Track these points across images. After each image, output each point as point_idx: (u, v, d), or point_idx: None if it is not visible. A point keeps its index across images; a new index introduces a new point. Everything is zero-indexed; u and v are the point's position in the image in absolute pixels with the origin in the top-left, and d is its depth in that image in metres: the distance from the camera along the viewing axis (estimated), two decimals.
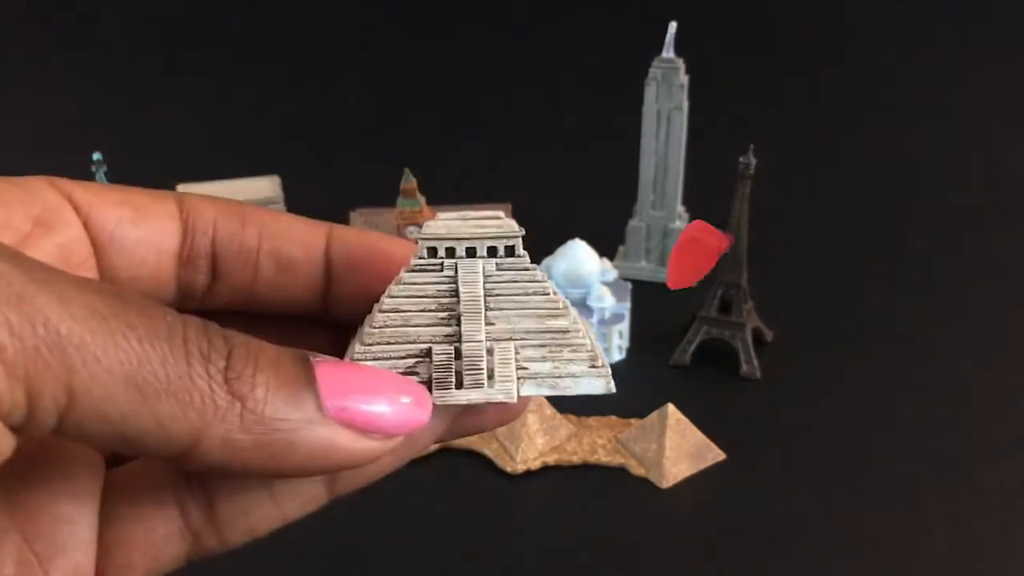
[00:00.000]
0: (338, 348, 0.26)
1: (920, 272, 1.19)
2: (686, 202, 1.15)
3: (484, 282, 0.23)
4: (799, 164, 1.49)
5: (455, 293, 0.23)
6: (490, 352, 0.23)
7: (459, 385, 0.22)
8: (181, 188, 1.01)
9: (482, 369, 0.22)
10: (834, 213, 1.36)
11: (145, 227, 0.24)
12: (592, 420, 0.89)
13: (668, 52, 1.07)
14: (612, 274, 1.03)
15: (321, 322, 0.27)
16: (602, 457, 0.84)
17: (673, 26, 1.07)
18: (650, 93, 1.07)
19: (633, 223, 1.15)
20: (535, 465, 0.83)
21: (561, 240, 1.00)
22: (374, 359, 0.22)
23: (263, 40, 1.96)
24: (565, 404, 0.88)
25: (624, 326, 1.00)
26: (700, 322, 0.97)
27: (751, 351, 0.95)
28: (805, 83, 1.83)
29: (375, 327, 0.22)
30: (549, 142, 1.55)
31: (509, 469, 0.82)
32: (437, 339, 0.23)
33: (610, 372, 0.23)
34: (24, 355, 0.17)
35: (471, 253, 0.23)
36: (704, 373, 0.96)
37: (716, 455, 0.84)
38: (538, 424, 0.85)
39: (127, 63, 1.82)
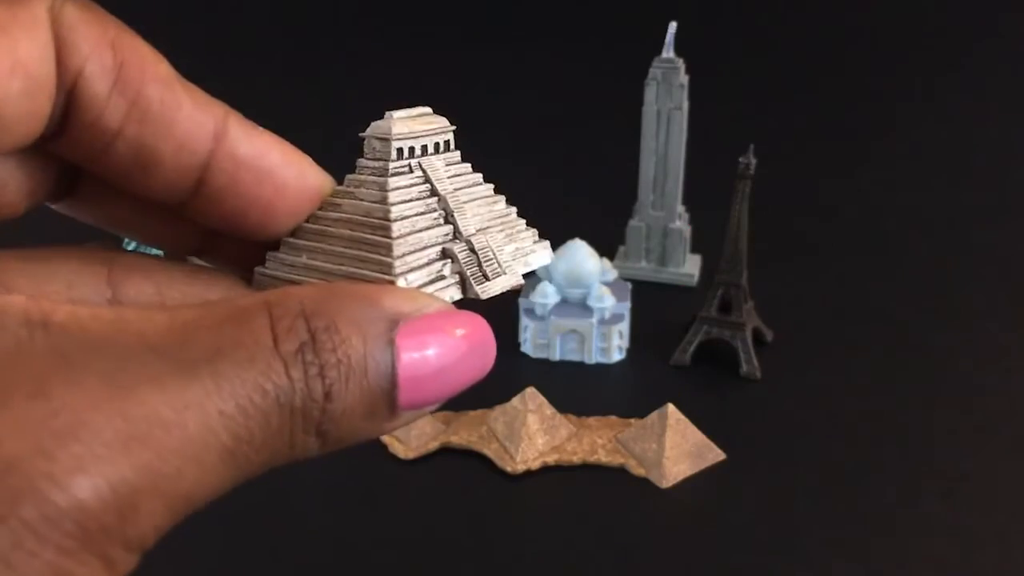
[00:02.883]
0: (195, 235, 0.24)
1: (920, 272, 1.19)
2: (686, 202, 1.15)
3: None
4: (799, 164, 1.49)
5: (432, 192, 0.23)
6: None
7: (485, 277, 0.23)
8: None
9: (494, 259, 0.23)
10: (834, 213, 1.36)
11: (36, 98, 0.19)
12: (592, 420, 0.89)
13: (668, 52, 1.07)
14: (612, 274, 1.03)
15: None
16: (602, 457, 0.84)
17: (673, 26, 1.07)
18: (650, 93, 1.07)
19: (633, 223, 1.15)
20: (535, 465, 0.83)
21: (561, 240, 1.00)
22: (409, 269, 0.22)
23: (262, 38, 1.96)
24: (565, 404, 0.88)
25: (624, 326, 0.99)
26: (700, 322, 0.97)
27: (751, 351, 0.95)
28: (805, 83, 1.83)
29: (394, 237, 0.22)
30: (549, 142, 1.55)
31: (509, 469, 0.82)
32: (440, 239, 0.23)
33: (548, 242, 0.25)
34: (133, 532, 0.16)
35: (424, 151, 0.23)
36: (704, 373, 0.96)
37: (716, 455, 0.84)
38: (538, 424, 0.85)
39: None
